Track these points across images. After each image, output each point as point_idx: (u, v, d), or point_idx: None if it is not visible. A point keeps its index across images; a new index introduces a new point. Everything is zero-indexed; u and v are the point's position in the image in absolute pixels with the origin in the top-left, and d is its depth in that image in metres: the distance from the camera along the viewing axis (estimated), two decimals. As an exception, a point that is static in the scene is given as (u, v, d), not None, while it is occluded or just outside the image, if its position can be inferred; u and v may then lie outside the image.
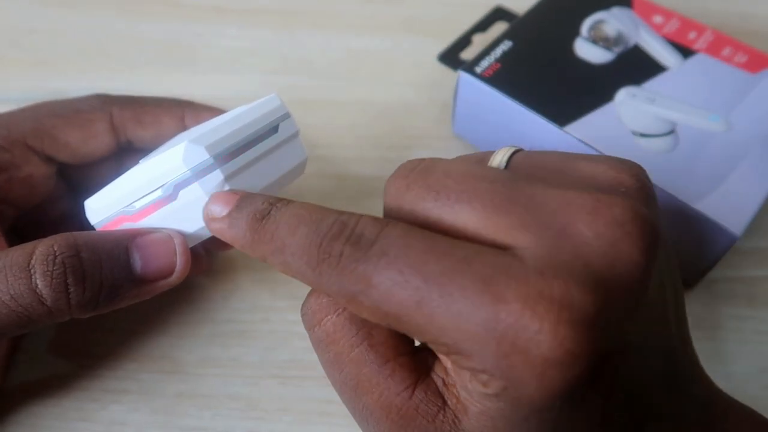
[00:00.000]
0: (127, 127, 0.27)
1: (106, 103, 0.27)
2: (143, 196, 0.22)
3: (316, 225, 0.18)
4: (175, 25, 0.42)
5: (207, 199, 0.21)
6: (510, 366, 0.15)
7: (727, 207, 0.27)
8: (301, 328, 0.30)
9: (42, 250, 0.21)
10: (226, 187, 0.22)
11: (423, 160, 0.19)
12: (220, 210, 0.20)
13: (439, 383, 0.18)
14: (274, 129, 0.24)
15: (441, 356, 0.18)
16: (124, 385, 0.28)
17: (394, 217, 0.19)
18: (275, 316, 0.30)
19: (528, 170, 0.19)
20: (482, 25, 0.37)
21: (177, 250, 0.23)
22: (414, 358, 0.19)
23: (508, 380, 0.16)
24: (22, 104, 0.28)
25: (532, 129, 0.31)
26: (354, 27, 0.42)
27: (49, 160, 0.27)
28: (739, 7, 0.43)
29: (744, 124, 0.30)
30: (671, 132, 0.30)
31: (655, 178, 0.28)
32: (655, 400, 0.19)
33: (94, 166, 0.29)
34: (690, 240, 0.28)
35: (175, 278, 0.23)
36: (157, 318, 0.30)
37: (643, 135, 0.30)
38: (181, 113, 0.28)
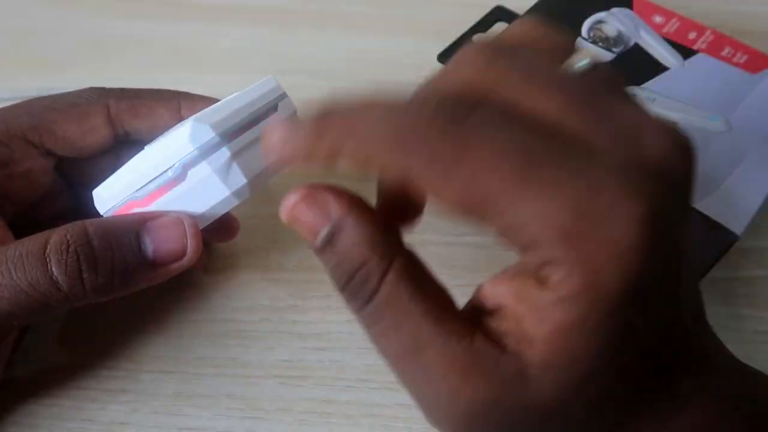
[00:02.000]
0: (124, 119, 0.27)
1: (102, 95, 0.27)
2: (151, 180, 0.23)
3: (394, 101, 0.18)
4: (175, 25, 0.42)
5: (216, 177, 0.22)
6: (594, 255, 0.16)
7: (727, 207, 0.27)
8: (300, 328, 0.30)
9: (56, 239, 0.22)
10: (234, 165, 0.22)
11: (500, 40, 0.19)
12: (281, 133, 0.19)
13: (496, 332, 0.18)
14: (274, 108, 0.24)
15: (492, 289, 0.18)
16: (124, 385, 0.28)
17: (470, 88, 0.18)
18: (275, 316, 0.30)
19: (605, 83, 0.19)
20: (482, 25, 0.37)
21: (188, 232, 0.23)
22: (461, 310, 0.19)
23: (589, 272, 0.16)
24: (22, 104, 0.28)
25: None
26: (354, 27, 0.42)
27: (48, 154, 0.27)
28: (739, 7, 0.43)
29: (744, 124, 0.30)
30: (671, 132, 0.30)
31: (655, 178, 0.28)
32: (695, 342, 0.19)
33: (92, 160, 0.29)
34: (690, 240, 0.28)
35: (187, 260, 0.24)
36: (157, 318, 0.30)
37: (643, 135, 0.30)
38: (177, 104, 0.28)
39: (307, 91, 0.38)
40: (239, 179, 0.22)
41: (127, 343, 0.29)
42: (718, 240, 0.27)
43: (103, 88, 0.28)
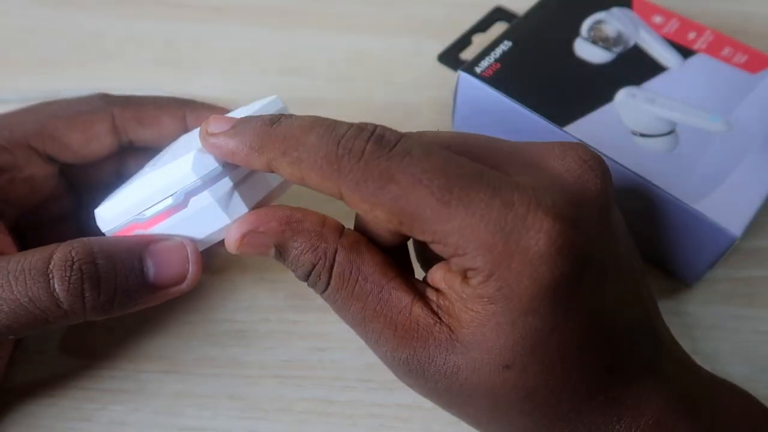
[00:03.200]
0: (128, 128, 0.27)
1: (107, 103, 0.27)
2: (154, 205, 0.23)
3: (332, 127, 0.19)
4: (175, 25, 0.42)
5: (217, 206, 0.22)
6: (508, 264, 0.18)
7: (727, 207, 0.27)
8: (300, 328, 0.30)
9: (60, 255, 0.22)
10: (235, 194, 0.22)
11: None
12: (220, 126, 0.21)
13: (433, 306, 0.21)
14: None
15: (434, 272, 0.21)
16: (123, 385, 0.28)
17: None
18: (274, 315, 0.30)
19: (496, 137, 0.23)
20: (482, 25, 0.37)
21: (190, 257, 0.23)
22: (404, 280, 0.21)
23: (504, 279, 0.18)
24: (22, 104, 0.28)
25: (531, 129, 0.31)
26: (354, 27, 0.42)
27: (50, 160, 0.27)
28: (739, 7, 0.43)
29: (744, 124, 0.30)
30: (671, 132, 0.30)
31: (655, 178, 0.28)
32: (636, 344, 0.21)
33: (96, 165, 0.29)
34: (690, 240, 0.28)
35: (186, 285, 0.24)
36: (156, 318, 0.30)
37: (643, 135, 0.30)
38: (181, 113, 0.28)
39: (307, 91, 0.39)
40: (240, 208, 0.22)
41: (126, 343, 0.29)
42: (718, 240, 0.27)
43: (109, 96, 0.28)
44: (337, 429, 0.27)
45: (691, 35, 0.33)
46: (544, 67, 0.32)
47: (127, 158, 0.29)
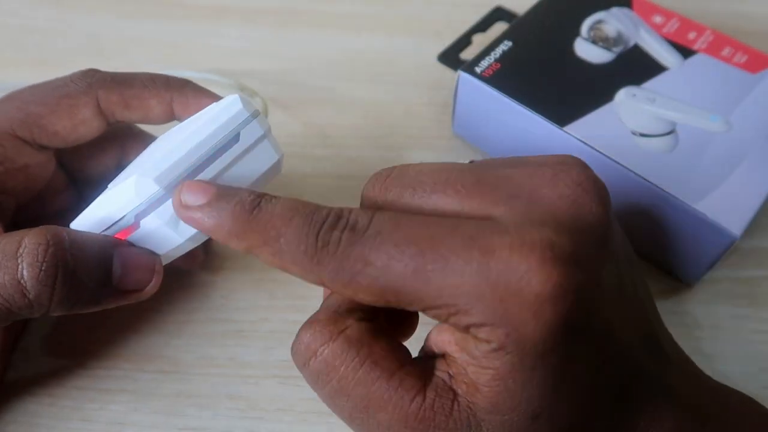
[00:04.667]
0: (115, 111, 0.27)
1: (91, 85, 0.26)
2: (113, 224, 0.23)
3: (311, 216, 0.19)
4: (175, 25, 0.42)
5: (166, 228, 0.22)
6: (507, 310, 0.17)
7: (727, 207, 0.27)
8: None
9: (32, 239, 0.21)
10: None
11: (394, 167, 0.21)
12: (196, 199, 0.20)
13: (446, 378, 0.19)
14: (234, 139, 0.23)
15: (439, 334, 0.19)
16: (123, 385, 0.28)
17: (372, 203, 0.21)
18: (274, 315, 0.30)
19: (487, 162, 0.21)
20: (482, 25, 0.37)
21: (156, 269, 0.23)
22: (416, 365, 0.19)
23: (508, 325, 0.17)
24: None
25: (532, 129, 0.31)
26: (354, 27, 0.42)
27: (42, 148, 0.26)
28: (739, 7, 0.43)
29: (744, 124, 0.30)
30: (671, 132, 0.30)
31: (655, 178, 0.28)
32: (645, 364, 0.20)
33: (94, 155, 0.28)
34: (690, 240, 0.28)
35: (145, 294, 0.24)
36: (156, 318, 0.30)
37: (643, 135, 0.30)
38: (169, 97, 0.27)
39: (307, 91, 0.39)
40: (190, 228, 0.22)
41: (126, 343, 0.29)
42: (718, 240, 0.27)
43: (95, 73, 0.27)
44: (336, 429, 0.27)
45: (691, 35, 0.33)
46: (544, 67, 0.32)
47: (126, 145, 0.29)
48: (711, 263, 0.29)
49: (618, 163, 0.28)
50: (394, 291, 0.18)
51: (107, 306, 0.23)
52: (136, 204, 0.22)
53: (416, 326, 0.23)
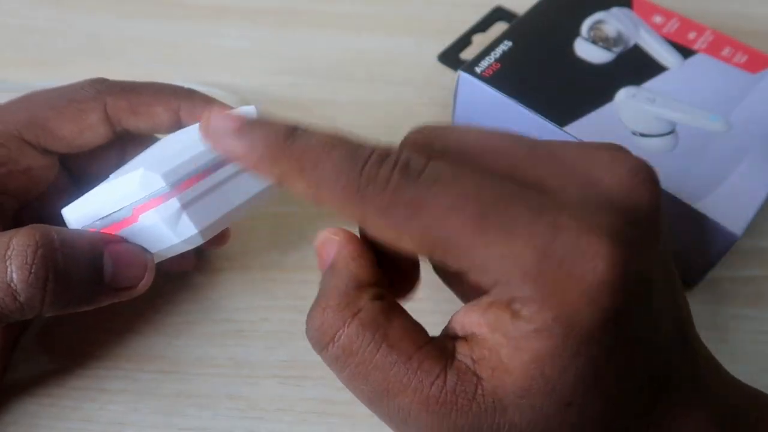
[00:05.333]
0: (122, 118, 0.27)
1: (100, 92, 0.26)
2: (110, 214, 0.23)
3: (354, 150, 0.18)
4: (175, 25, 0.42)
5: (163, 225, 0.22)
6: (562, 292, 0.16)
7: (727, 207, 0.27)
8: (300, 328, 0.30)
9: (20, 240, 0.20)
10: (184, 215, 0.22)
11: (438, 125, 0.20)
12: (227, 125, 0.18)
13: (468, 362, 0.18)
14: None
15: (465, 315, 0.18)
16: (123, 385, 0.28)
17: (428, 146, 0.19)
18: (274, 315, 0.30)
19: (533, 137, 0.20)
20: (482, 25, 0.37)
21: (147, 265, 0.23)
22: (434, 346, 0.18)
23: (559, 308, 0.16)
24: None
25: (532, 129, 0.31)
26: (354, 27, 0.42)
27: (46, 152, 0.27)
28: (739, 7, 0.43)
29: (744, 124, 0.30)
30: (671, 132, 0.30)
31: (655, 177, 0.28)
32: (681, 362, 0.19)
33: (96, 157, 0.28)
34: (690, 240, 0.28)
35: (137, 292, 0.23)
36: (156, 318, 0.30)
37: (643, 135, 0.30)
38: (177, 105, 0.27)
39: (308, 91, 0.39)
40: (189, 229, 0.22)
41: (126, 343, 0.29)
42: (718, 240, 0.27)
43: (103, 82, 0.27)
44: (337, 429, 0.27)
45: (691, 35, 0.33)
46: (544, 67, 0.32)
47: (127, 148, 0.29)
48: (711, 263, 0.29)
49: (618, 163, 0.28)
50: (445, 245, 0.17)
51: (100, 304, 0.23)
52: (139, 197, 0.22)
53: (415, 285, 0.22)
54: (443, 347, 0.18)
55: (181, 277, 0.31)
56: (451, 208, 0.17)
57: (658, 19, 0.34)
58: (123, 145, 0.29)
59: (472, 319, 0.18)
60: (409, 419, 0.18)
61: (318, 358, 0.29)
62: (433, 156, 0.18)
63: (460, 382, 0.17)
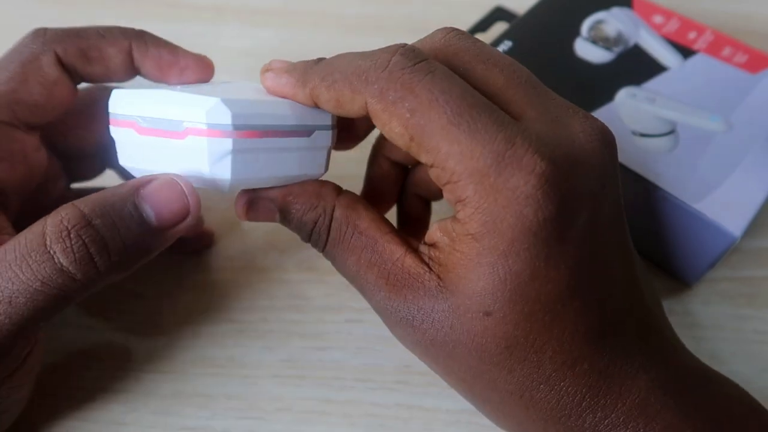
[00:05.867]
0: (77, 66, 0.26)
1: (45, 43, 0.25)
2: (159, 118, 0.22)
3: (364, 52, 0.21)
4: (175, 25, 0.42)
5: (206, 157, 0.22)
6: (496, 199, 0.19)
7: (727, 207, 0.27)
8: (299, 328, 0.30)
9: (53, 229, 0.21)
10: (228, 158, 0.22)
11: (456, 30, 0.22)
12: (279, 65, 0.24)
13: (425, 256, 0.21)
14: (306, 132, 0.23)
15: (431, 230, 0.21)
16: (123, 385, 0.28)
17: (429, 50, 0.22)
18: (273, 315, 0.30)
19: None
20: (482, 25, 0.37)
21: (185, 190, 0.22)
22: (397, 236, 0.22)
23: (489, 213, 0.19)
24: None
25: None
26: (354, 27, 0.42)
27: (30, 129, 0.26)
28: (739, 7, 0.43)
29: (744, 124, 0.30)
30: (671, 132, 0.30)
31: (655, 178, 0.28)
32: (622, 318, 0.21)
33: (82, 125, 0.28)
34: (690, 240, 0.28)
35: (192, 218, 0.23)
36: (155, 318, 0.30)
37: (643, 135, 0.30)
38: (127, 45, 0.26)
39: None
40: (224, 173, 0.22)
41: (125, 343, 0.29)
42: (718, 240, 0.27)
43: (44, 31, 0.26)
44: (336, 429, 0.27)
45: (692, 35, 0.33)
46: (544, 67, 0.32)
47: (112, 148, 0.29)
48: (711, 263, 0.29)
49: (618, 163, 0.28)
50: (421, 130, 0.19)
51: (163, 247, 0.23)
52: (199, 120, 0.21)
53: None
54: (407, 239, 0.22)
55: (181, 278, 0.31)
56: (435, 101, 0.19)
57: (658, 18, 0.34)
58: (105, 127, 0.29)
59: (432, 229, 0.21)
60: (374, 290, 0.22)
61: (317, 357, 0.29)
62: (439, 56, 0.21)
63: (414, 266, 0.21)
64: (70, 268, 0.21)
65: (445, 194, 0.20)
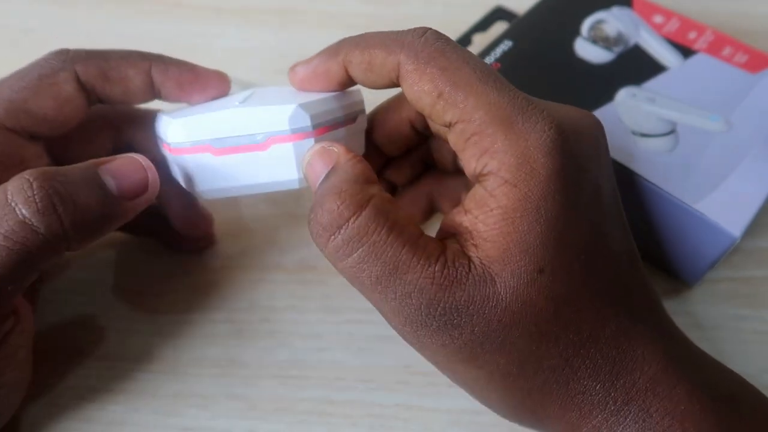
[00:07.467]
0: (95, 85, 0.26)
1: (66, 61, 0.26)
2: (236, 136, 0.23)
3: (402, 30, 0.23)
4: (175, 25, 0.42)
5: (294, 160, 0.23)
6: (526, 141, 0.20)
7: (727, 207, 0.27)
8: (300, 328, 0.30)
9: (14, 184, 0.21)
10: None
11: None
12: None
13: (458, 247, 0.21)
14: (353, 118, 0.25)
15: (447, 217, 0.22)
16: (123, 385, 0.28)
17: None
18: (274, 316, 0.30)
19: None
20: (482, 25, 0.37)
21: (144, 164, 0.24)
22: (428, 236, 0.21)
23: (522, 156, 0.20)
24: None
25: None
26: (354, 27, 0.42)
27: (32, 138, 0.26)
28: (739, 7, 0.43)
29: (744, 124, 0.30)
30: (671, 132, 0.30)
31: (655, 178, 0.28)
32: (632, 290, 0.22)
33: (87, 139, 0.28)
34: (690, 240, 0.28)
35: (151, 191, 0.24)
36: (156, 318, 0.30)
37: (643, 135, 0.30)
38: (147, 66, 0.27)
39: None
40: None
41: (125, 343, 0.29)
42: (718, 240, 0.27)
43: (67, 51, 0.26)
44: (336, 429, 0.27)
45: (692, 35, 0.33)
46: (544, 67, 0.32)
47: (123, 129, 0.29)
48: (711, 263, 0.29)
49: (618, 163, 0.28)
50: (450, 86, 0.21)
51: (125, 219, 0.23)
52: (282, 128, 0.23)
53: None
54: (436, 240, 0.21)
55: (181, 278, 0.31)
56: (465, 62, 0.21)
57: (658, 18, 0.34)
58: (116, 124, 0.29)
59: (455, 219, 0.21)
60: (414, 292, 0.20)
61: (318, 358, 0.29)
62: None
63: (457, 259, 0.20)
64: (33, 220, 0.21)
65: (466, 153, 0.21)
